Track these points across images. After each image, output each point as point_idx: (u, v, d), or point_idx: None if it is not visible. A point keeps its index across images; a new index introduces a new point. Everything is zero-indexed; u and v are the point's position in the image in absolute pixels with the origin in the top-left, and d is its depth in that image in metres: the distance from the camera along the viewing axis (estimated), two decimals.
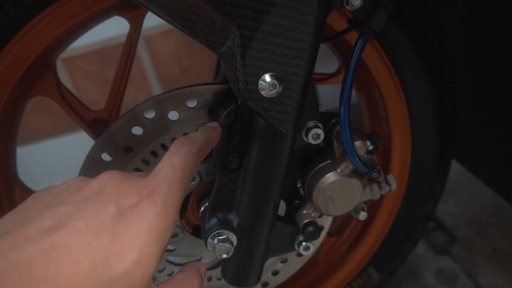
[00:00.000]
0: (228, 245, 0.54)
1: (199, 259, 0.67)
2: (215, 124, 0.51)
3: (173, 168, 0.36)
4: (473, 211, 1.12)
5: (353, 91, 0.52)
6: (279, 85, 0.44)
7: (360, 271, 0.80)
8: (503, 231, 1.05)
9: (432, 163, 0.72)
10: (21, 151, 1.57)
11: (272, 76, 0.43)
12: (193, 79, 1.66)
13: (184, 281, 0.36)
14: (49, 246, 0.28)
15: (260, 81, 0.43)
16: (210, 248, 0.55)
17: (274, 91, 0.44)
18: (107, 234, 0.29)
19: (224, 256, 0.55)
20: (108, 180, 0.34)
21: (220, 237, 0.54)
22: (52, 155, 1.59)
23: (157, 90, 1.60)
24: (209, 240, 0.55)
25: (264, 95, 0.44)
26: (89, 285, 0.28)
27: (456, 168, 0.77)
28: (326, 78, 0.68)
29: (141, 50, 1.50)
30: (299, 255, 0.71)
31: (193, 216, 0.65)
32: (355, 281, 0.81)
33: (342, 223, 0.82)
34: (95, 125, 0.63)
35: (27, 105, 0.61)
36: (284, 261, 0.71)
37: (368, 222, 0.77)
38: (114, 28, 1.47)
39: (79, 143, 1.57)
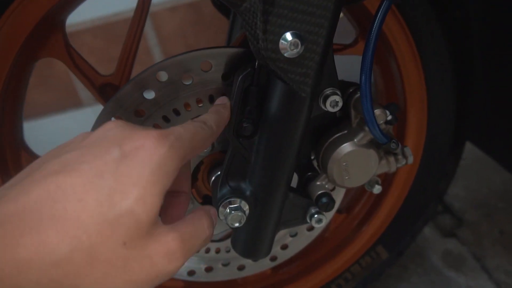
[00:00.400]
0: (240, 214, 0.53)
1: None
2: (224, 100, 0.50)
3: (185, 129, 0.37)
4: (481, 195, 1.11)
5: None
6: (301, 45, 0.42)
7: (369, 249, 0.79)
8: (511, 215, 1.04)
9: (447, 140, 0.70)
10: (24, 127, 1.57)
11: (294, 35, 0.42)
12: None
13: (193, 220, 0.36)
14: (55, 187, 0.29)
15: (281, 40, 0.42)
16: (221, 217, 0.54)
17: (295, 51, 0.42)
18: (111, 173, 0.30)
19: (236, 225, 0.53)
20: (113, 126, 0.34)
21: (232, 205, 0.53)
22: (56, 131, 1.58)
23: None
24: (220, 208, 0.54)
25: (284, 55, 0.42)
26: (95, 221, 0.29)
27: (465, 151, 0.75)
28: (342, 48, 0.66)
29: (147, 26, 1.48)
30: (309, 229, 0.70)
31: (204, 186, 0.63)
32: (363, 258, 0.80)
33: (351, 200, 0.81)
34: (104, 90, 0.61)
35: (34, 67, 0.60)
36: (293, 235, 0.70)
37: (379, 199, 0.76)
38: (119, 3, 1.44)
39: (82, 119, 1.56)
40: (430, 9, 0.59)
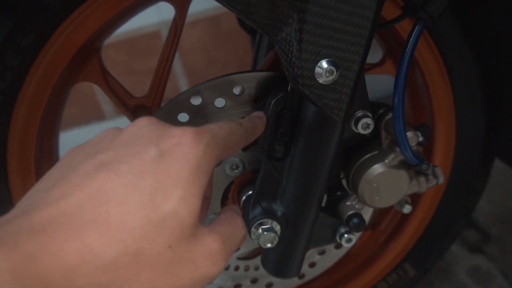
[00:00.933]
0: (272, 235, 0.54)
1: (238, 249, 0.67)
2: (260, 113, 0.50)
3: (220, 128, 0.36)
4: (506, 209, 1.10)
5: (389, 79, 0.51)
6: (336, 72, 0.43)
7: (396, 266, 0.79)
8: None
9: (476, 157, 0.70)
10: None
11: (329, 62, 0.43)
12: (218, 70, 1.66)
13: (228, 220, 0.36)
14: (96, 190, 0.28)
15: (317, 67, 0.43)
16: (253, 237, 0.55)
17: (330, 78, 0.43)
18: (151, 174, 0.29)
19: (268, 245, 0.54)
20: (146, 123, 0.34)
21: (264, 226, 0.54)
22: (79, 144, 1.61)
23: (182, 80, 1.60)
24: (253, 229, 0.55)
25: (320, 81, 0.43)
26: (139, 224, 0.28)
27: None
28: (370, 68, 0.67)
29: None
30: (337, 247, 0.70)
31: (232, 204, 0.64)
32: (390, 276, 0.80)
33: (377, 216, 0.81)
34: (137, 111, 0.63)
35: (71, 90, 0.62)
36: (321, 253, 0.70)
37: (406, 216, 0.76)
38: (142, 18, 1.48)
39: None
40: (458, 27, 0.59)
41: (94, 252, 0.27)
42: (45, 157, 0.62)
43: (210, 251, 0.31)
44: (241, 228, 0.36)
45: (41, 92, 0.54)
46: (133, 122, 0.34)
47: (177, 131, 0.32)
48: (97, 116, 1.60)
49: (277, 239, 0.54)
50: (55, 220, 0.27)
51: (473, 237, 1.04)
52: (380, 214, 0.80)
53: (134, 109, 0.63)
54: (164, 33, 1.50)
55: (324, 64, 0.42)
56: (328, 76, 0.43)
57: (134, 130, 0.33)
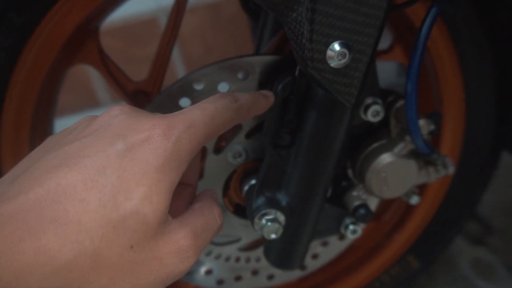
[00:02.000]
0: (277, 225, 0.52)
1: (239, 240, 0.65)
2: (268, 92, 0.46)
3: (202, 111, 0.33)
4: (510, 202, 1.08)
5: (398, 67, 0.49)
6: (349, 55, 0.41)
7: (399, 257, 0.78)
8: None
9: (485, 148, 0.68)
10: None
11: (341, 45, 0.40)
12: (217, 58, 1.63)
13: (203, 210, 0.33)
14: (55, 185, 0.26)
15: (329, 50, 0.40)
16: (257, 228, 0.53)
17: (342, 61, 0.41)
18: (114, 169, 0.27)
19: (273, 236, 0.52)
20: (118, 113, 0.31)
21: (268, 217, 0.52)
22: None
23: (180, 68, 1.58)
24: (256, 220, 0.53)
25: (331, 65, 0.41)
26: (98, 224, 0.26)
27: None
28: (377, 54, 0.64)
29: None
30: (341, 239, 0.68)
31: (235, 194, 0.62)
32: (393, 267, 0.79)
33: (381, 207, 0.79)
34: (136, 96, 0.61)
35: (67, 73, 0.59)
36: (324, 244, 0.68)
37: (411, 207, 0.74)
38: (138, 4, 1.44)
39: None
40: (472, 12, 0.57)
41: (50, 253, 0.25)
42: (39, 143, 0.60)
43: (179, 248, 0.30)
44: (217, 217, 0.34)
45: (35, 74, 0.52)
46: (105, 111, 0.32)
47: (148, 124, 0.30)
48: (92, 103, 1.58)
49: (281, 229, 0.52)
50: (12, 216, 0.25)
51: (475, 229, 1.03)
52: (384, 205, 0.79)
53: (133, 94, 0.60)
54: (162, 20, 1.46)
55: (337, 46, 0.40)
56: (340, 60, 0.41)
57: (105, 120, 0.31)
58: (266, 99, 0.45)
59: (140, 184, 0.28)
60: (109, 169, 0.27)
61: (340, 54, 0.40)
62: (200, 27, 1.54)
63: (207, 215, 0.33)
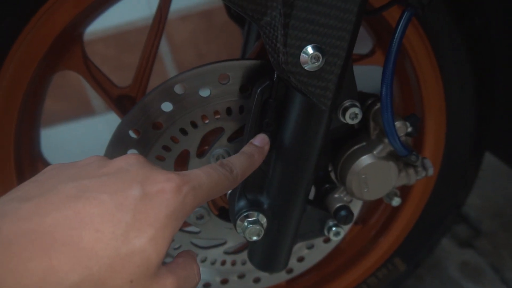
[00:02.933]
0: (258, 227, 0.52)
1: (224, 243, 0.65)
2: (262, 142, 0.48)
3: (208, 177, 0.36)
4: (497, 204, 1.09)
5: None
6: (322, 58, 0.42)
7: (386, 260, 0.78)
8: None
9: (467, 150, 0.69)
10: None
11: (315, 48, 0.41)
12: None
13: (185, 264, 0.36)
14: (73, 213, 0.29)
15: (302, 53, 0.41)
16: (239, 230, 0.53)
17: (316, 64, 0.42)
18: (130, 209, 0.30)
19: (254, 238, 0.53)
20: (135, 161, 0.34)
21: (250, 219, 0.53)
22: (68, 139, 1.59)
23: (173, 75, 1.58)
24: (238, 222, 0.53)
25: (305, 68, 0.42)
26: (108, 254, 0.28)
27: None
28: (359, 58, 0.66)
29: None
30: (326, 241, 0.69)
31: (219, 198, 0.63)
32: (380, 270, 0.79)
33: (367, 211, 0.80)
34: (121, 101, 0.61)
35: (52, 80, 0.60)
36: (310, 247, 0.69)
37: (396, 210, 0.75)
38: (131, 12, 1.46)
39: (94, 127, 1.57)
40: (449, 17, 0.58)
41: (59, 274, 0.27)
42: (24, 152, 0.60)
43: None
44: (196, 275, 0.37)
45: (18, 80, 0.53)
46: (121, 157, 0.35)
47: (163, 177, 0.33)
48: (87, 111, 1.58)
49: (263, 231, 0.53)
50: (24, 236, 0.27)
51: (463, 232, 1.04)
52: (370, 208, 0.79)
53: (117, 99, 0.61)
54: None
55: (310, 50, 0.41)
56: (314, 63, 0.42)
57: (122, 165, 0.34)
58: (260, 153, 0.47)
59: (151, 226, 0.30)
60: (126, 208, 0.30)
61: (314, 57, 0.41)
62: (192, 35, 1.55)
63: (189, 270, 0.36)
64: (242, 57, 0.75)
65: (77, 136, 1.57)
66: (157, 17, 0.58)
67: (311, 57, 0.41)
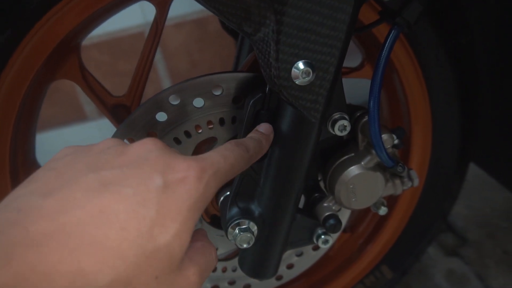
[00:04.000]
0: (249, 235, 0.54)
1: (215, 250, 0.66)
2: (268, 130, 0.49)
3: (225, 160, 0.36)
4: (484, 214, 1.12)
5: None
6: (312, 73, 0.43)
7: (373, 268, 0.80)
8: None
9: (452, 162, 0.71)
10: None
11: (305, 64, 0.43)
12: (203, 73, 1.66)
13: (204, 250, 0.35)
14: (98, 211, 0.28)
15: (294, 68, 0.43)
16: (230, 238, 0.55)
17: (307, 79, 0.44)
18: (153, 204, 0.29)
19: (245, 246, 0.54)
20: (153, 147, 0.33)
21: (241, 227, 0.54)
22: (60, 144, 1.59)
23: (166, 83, 1.60)
24: (229, 229, 0.55)
25: (296, 82, 0.44)
26: (134, 253, 0.28)
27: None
28: (348, 72, 0.68)
29: None
30: (315, 249, 0.71)
31: (212, 205, 0.64)
32: (367, 278, 0.81)
33: (355, 219, 0.82)
34: (116, 110, 0.63)
35: (48, 88, 0.61)
36: (299, 254, 0.70)
37: (383, 219, 0.77)
38: (126, 19, 1.47)
39: (87, 133, 1.57)
40: (435, 35, 0.61)
41: (88, 277, 0.26)
42: (20, 159, 0.61)
43: (188, 284, 0.32)
44: (214, 258, 0.36)
45: (16, 89, 0.54)
46: (138, 142, 0.34)
47: (183, 164, 0.32)
48: (79, 116, 1.58)
49: (253, 239, 0.54)
50: (52, 237, 0.26)
51: (450, 241, 1.06)
52: (358, 216, 0.81)
53: (113, 108, 0.62)
54: None
55: (301, 65, 0.43)
56: (304, 78, 0.43)
57: (141, 152, 0.33)
58: (267, 140, 0.48)
59: (175, 221, 0.30)
60: (149, 202, 0.29)
61: (304, 73, 0.43)
62: (186, 42, 1.56)
63: (208, 256, 0.35)
64: (235, 69, 0.77)
65: (69, 141, 1.58)
66: (154, 28, 0.60)
67: (302, 72, 0.43)
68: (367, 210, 0.80)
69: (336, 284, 0.81)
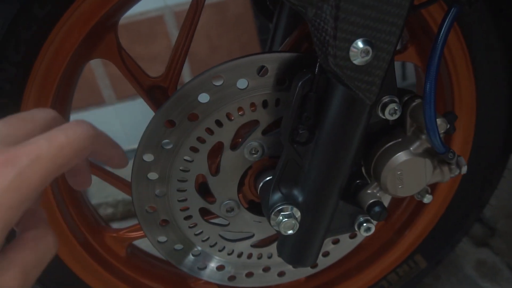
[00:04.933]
0: (293, 221, 0.52)
1: (251, 236, 0.65)
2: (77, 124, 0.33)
3: (50, 142, 0.29)
4: None
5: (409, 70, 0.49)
6: (372, 52, 0.41)
7: (407, 257, 0.78)
8: None
9: (495, 151, 0.69)
10: None
11: (365, 42, 0.41)
12: (222, 58, 1.63)
13: (37, 242, 0.29)
14: None
15: (352, 47, 0.41)
16: (273, 224, 0.53)
17: (365, 59, 0.41)
18: None
19: (289, 232, 0.53)
20: None
21: (285, 213, 0.53)
22: None
23: (185, 67, 1.58)
24: (272, 216, 0.53)
25: (354, 62, 0.42)
26: None
27: None
28: None
29: (171, 26, 1.48)
30: (352, 237, 0.69)
31: (250, 191, 0.63)
32: (400, 267, 0.79)
33: (390, 207, 0.80)
34: (152, 92, 0.61)
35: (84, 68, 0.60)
36: (336, 242, 0.69)
37: (420, 207, 0.75)
38: (145, 2, 1.45)
39: (104, 117, 1.56)
40: (487, 16, 0.58)
41: None
42: None
43: None
44: (51, 247, 0.30)
45: (55, 67, 0.52)
46: None
47: None
48: (97, 101, 1.57)
49: (298, 225, 0.53)
50: None
51: (479, 231, 1.04)
52: (393, 204, 0.79)
53: (149, 89, 0.61)
54: (168, 18, 1.47)
55: (360, 44, 0.41)
56: (363, 57, 0.41)
57: None
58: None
59: None
60: None
61: (363, 52, 0.41)
62: (205, 27, 1.54)
63: (41, 249, 0.30)
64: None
65: None
66: (193, 5, 0.58)
67: (361, 51, 0.41)
68: (402, 198, 0.78)
69: (368, 273, 0.80)
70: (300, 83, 0.49)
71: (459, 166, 0.56)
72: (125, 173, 0.71)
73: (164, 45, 1.49)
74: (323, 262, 0.70)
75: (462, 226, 0.76)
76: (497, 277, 0.93)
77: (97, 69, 1.48)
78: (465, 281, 0.93)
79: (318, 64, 0.48)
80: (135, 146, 0.55)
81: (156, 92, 0.61)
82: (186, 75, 1.60)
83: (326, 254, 0.69)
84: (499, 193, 1.12)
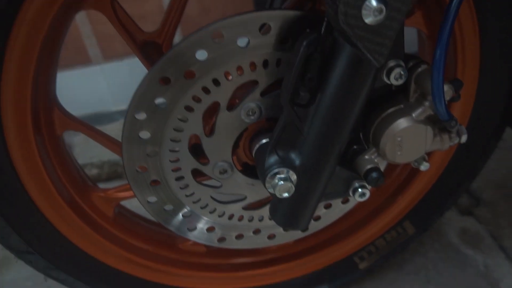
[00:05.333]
0: (289, 184, 0.52)
1: (243, 198, 0.65)
2: None
3: None
4: (499, 176, 1.11)
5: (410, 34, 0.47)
6: (385, 11, 0.39)
7: (396, 223, 0.79)
8: None
9: (492, 122, 0.69)
10: None
11: (378, 0, 0.39)
12: (214, 19, 1.58)
13: None
14: None
15: (366, 4, 0.39)
16: (268, 187, 0.52)
17: (378, 18, 0.40)
18: None
19: (285, 195, 0.52)
20: None
21: (281, 176, 0.52)
22: (63, 88, 1.53)
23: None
24: (268, 178, 0.52)
25: (366, 21, 0.40)
26: None
27: None
28: None
29: None
30: (344, 202, 0.69)
31: (244, 153, 0.61)
32: (389, 233, 0.80)
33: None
34: (146, 48, 0.58)
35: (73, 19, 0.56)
36: (328, 207, 0.69)
37: (412, 174, 0.75)
38: None
39: (90, 77, 1.51)
40: None
41: None
42: (40, 97, 0.57)
43: None
44: None
45: (42, 16, 0.49)
46: None
47: None
48: (83, 60, 1.51)
49: (293, 188, 0.52)
50: None
51: (464, 201, 1.05)
52: (385, 170, 0.79)
53: (142, 45, 0.58)
54: None
55: (374, 2, 0.39)
56: (376, 16, 0.39)
57: None
58: None
59: None
60: None
61: (377, 10, 0.39)
62: None
63: None
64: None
65: (72, 85, 1.52)
66: None
67: (374, 10, 0.39)
68: (394, 165, 0.78)
69: (356, 238, 0.80)
70: (305, 42, 0.46)
71: (459, 134, 0.55)
72: (114, 132, 0.69)
73: (155, 4, 1.43)
74: (314, 226, 0.70)
75: (452, 195, 0.77)
76: (480, 245, 0.96)
77: (84, 26, 1.41)
78: (448, 247, 0.95)
79: (325, 23, 0.46)
80: (122, 107, 0.52)
81: (150, 49, 0.58)
82: (177, 36, 1.55)
83: (317, 218, 0.69)
84: (487, 165, 1.13)
